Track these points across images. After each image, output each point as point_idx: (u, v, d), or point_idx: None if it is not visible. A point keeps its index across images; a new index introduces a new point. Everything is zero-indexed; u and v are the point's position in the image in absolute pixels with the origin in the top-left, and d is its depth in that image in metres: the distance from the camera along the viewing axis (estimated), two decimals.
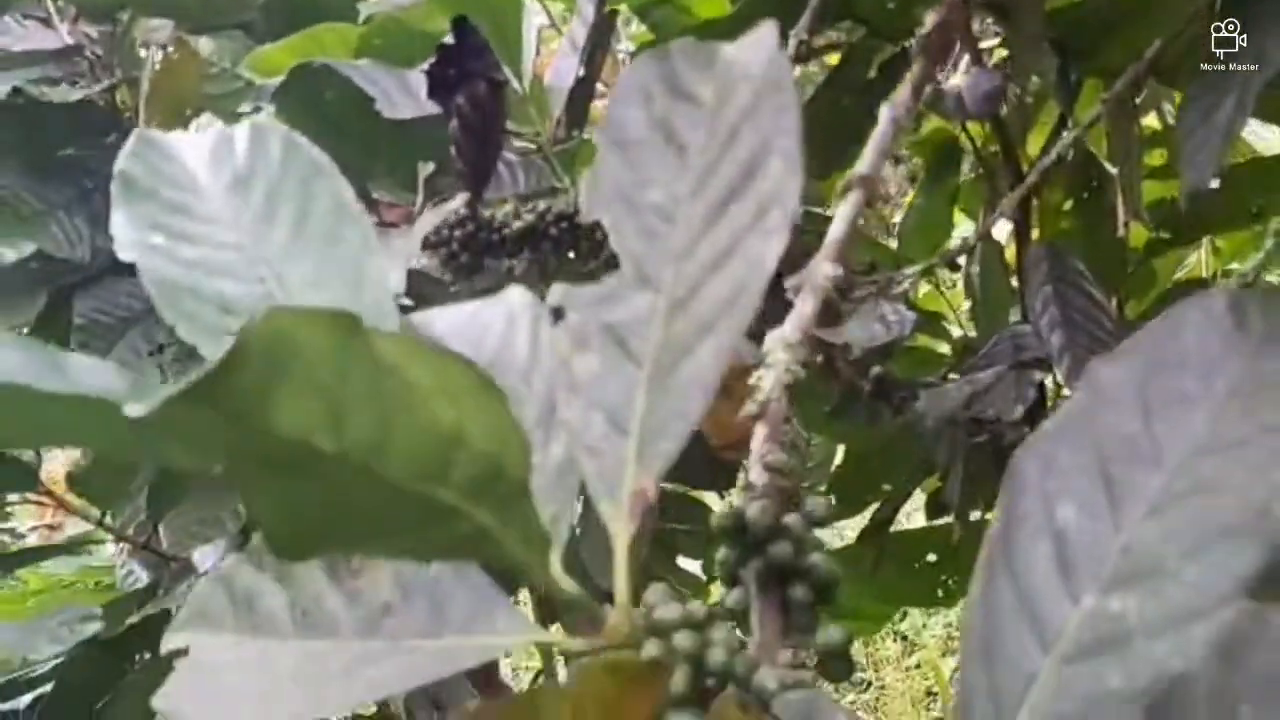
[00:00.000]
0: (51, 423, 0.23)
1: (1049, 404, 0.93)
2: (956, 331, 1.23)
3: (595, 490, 0.27)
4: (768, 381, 0.37)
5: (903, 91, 0.44)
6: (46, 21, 1.17)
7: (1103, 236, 1.13)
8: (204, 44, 1.01)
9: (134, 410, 0.17)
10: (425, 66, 0.61)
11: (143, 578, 1.00)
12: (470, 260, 0.70)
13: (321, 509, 0.21)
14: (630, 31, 1.61)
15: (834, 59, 1.05)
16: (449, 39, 0.60)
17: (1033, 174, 0.92)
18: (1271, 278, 1.29)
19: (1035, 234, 1.09)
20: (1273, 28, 0.64)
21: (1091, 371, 0.29)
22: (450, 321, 0.32)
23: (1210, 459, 0.26)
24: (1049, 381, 0.96)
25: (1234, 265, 1.51)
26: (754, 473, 0.34)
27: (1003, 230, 1.20)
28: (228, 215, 0.32)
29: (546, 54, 1.28)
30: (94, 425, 0.22)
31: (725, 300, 0.26)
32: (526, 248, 0.73)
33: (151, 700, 0.33)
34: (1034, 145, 1.14)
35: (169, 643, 0.35)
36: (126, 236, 0.31)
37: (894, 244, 1.24)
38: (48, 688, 0.87)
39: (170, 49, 1.14)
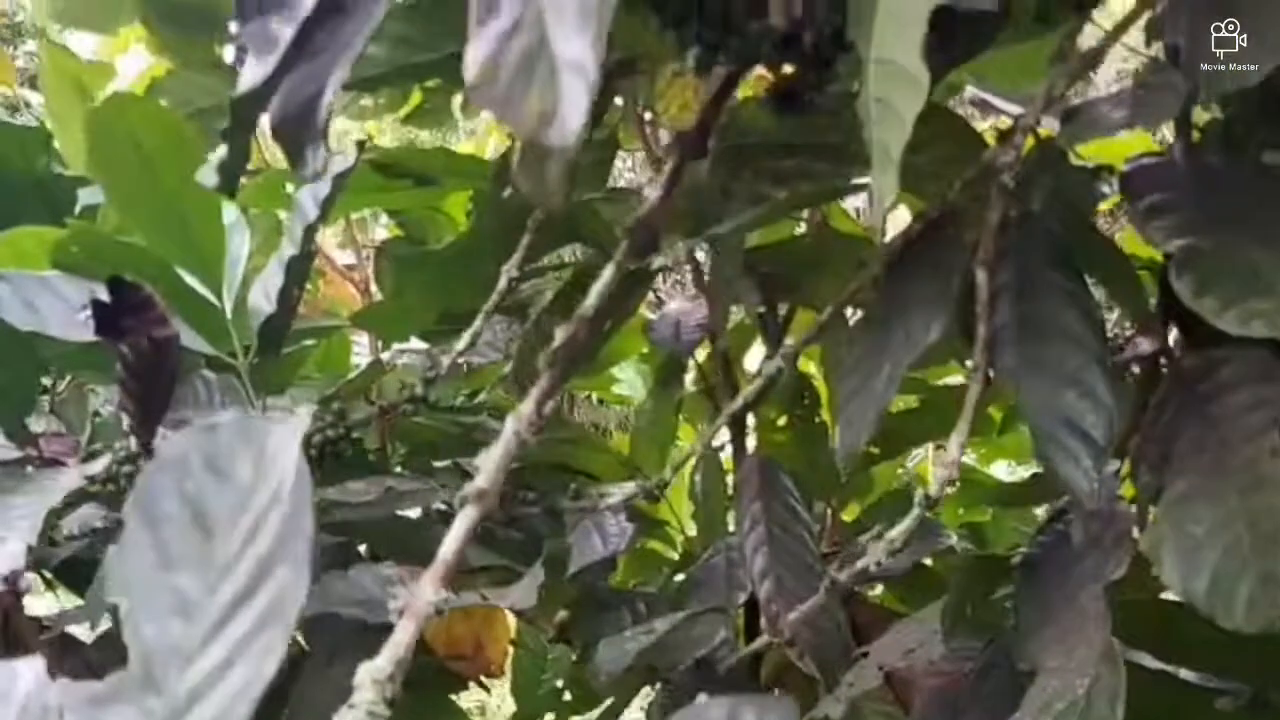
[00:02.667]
0: None
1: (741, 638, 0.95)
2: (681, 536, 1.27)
3: None
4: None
5: (527, 406, 0.45)
6: None
7: (815, 449, 1.19)
8: None
9: None
10: (84, 316, 0.59)
11: None
12: None
13: None
14: (380, 224, 1.62)
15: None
16: (104, 295, 0.58)
17: (739, 400, 0.95)
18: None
19: (751, 446, 1.14)
20: (910, 308, 0.70)
21: None
22: None
23: None
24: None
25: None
26: None
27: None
28: None
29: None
30: None
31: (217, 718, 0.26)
32: None
33: None
34: (751, 361, 1.21)
35: None
36: None
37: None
38: None
39: None
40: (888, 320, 0.71)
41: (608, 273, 0.56)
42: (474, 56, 0.31)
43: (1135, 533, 0.67)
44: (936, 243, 0.72)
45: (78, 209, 1.06)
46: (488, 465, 0.44)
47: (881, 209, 0.57)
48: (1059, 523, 0.77)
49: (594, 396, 1.83)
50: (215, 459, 0.30)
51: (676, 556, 1.25)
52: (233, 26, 1.22)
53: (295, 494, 0.28)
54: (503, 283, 0.89)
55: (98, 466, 0.60)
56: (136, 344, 0.58)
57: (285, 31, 0.46)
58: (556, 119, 0.29)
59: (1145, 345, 0.73)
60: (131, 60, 1.37)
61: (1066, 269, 0.68)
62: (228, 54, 1.22)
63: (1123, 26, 0.65)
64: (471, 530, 0.43)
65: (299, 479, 0.28)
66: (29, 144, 1.03)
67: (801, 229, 1.11)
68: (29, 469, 0.62)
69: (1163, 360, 0.76)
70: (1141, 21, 0.67)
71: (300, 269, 0.74)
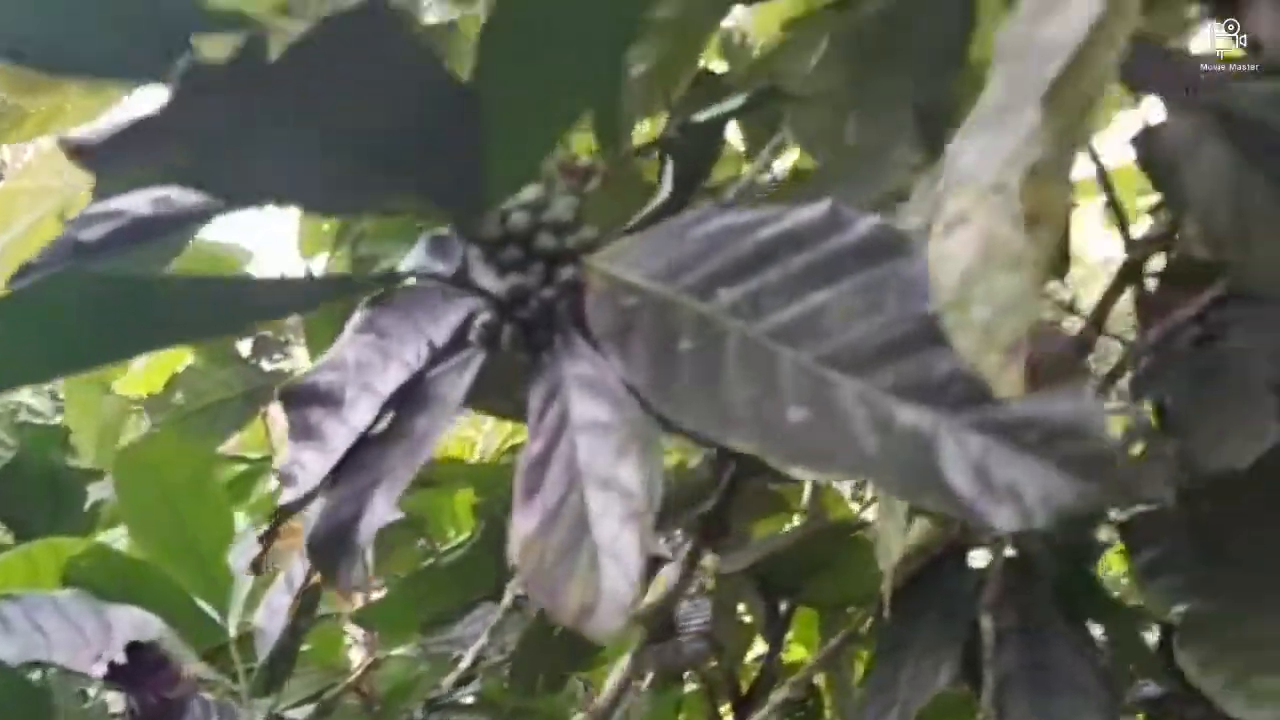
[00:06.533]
0: None
1: None
2: None
3: None
4: None
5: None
6: None
7: None
8: None
9: None
10: (103, 670, 0.59)
11: None
12: None
13: None
14: None
15: None
16: (120, 658, 0.58)
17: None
18: None
19: None
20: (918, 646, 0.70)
21: None
22: None
23: None
24: None
25: None
26: None
27: None
28: None
29: None
30: None
31: None
32: None
33: None
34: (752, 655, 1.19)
35: None
36: None
37: None
38: None
39: None
40: (895, 655, 0.71)
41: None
42: (519, 532, 0.33)
43: None
44: (940, 578, 0.73)
45: (87, 504, 1.08)
46: None
47: (891, 561, 0.58)
48: None
49: None
50: None
51: None
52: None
53: None
54: (508, 599, 0.91)
55: None
56: (144, 701, 0.58)
57: (329, 426, 0.48)
58: (596, 613, 0.30)
59: (1150, 689, 0.73)
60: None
61: (1069, 616, 0.69)
62: (244, 347, 1.27)
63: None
64: None
65: None
66: (47, 442, 1.06)
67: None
68: None
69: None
70: None
71: (310, 597, 0.75)
